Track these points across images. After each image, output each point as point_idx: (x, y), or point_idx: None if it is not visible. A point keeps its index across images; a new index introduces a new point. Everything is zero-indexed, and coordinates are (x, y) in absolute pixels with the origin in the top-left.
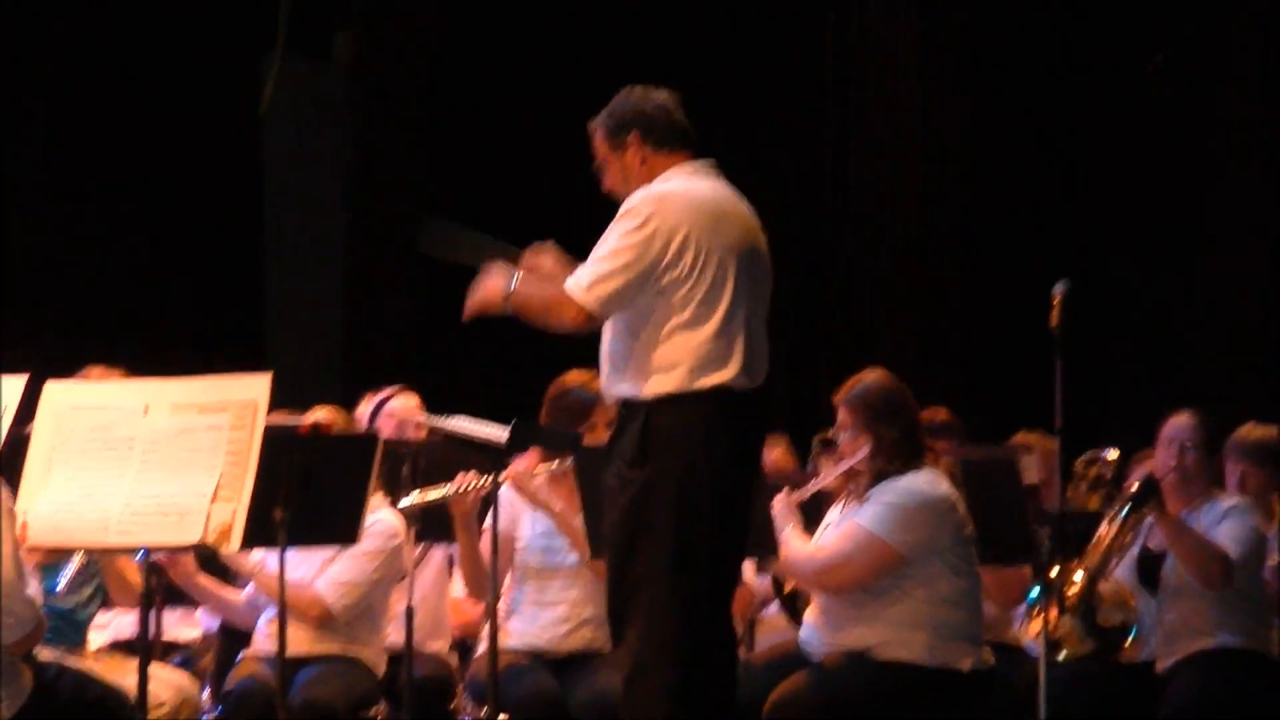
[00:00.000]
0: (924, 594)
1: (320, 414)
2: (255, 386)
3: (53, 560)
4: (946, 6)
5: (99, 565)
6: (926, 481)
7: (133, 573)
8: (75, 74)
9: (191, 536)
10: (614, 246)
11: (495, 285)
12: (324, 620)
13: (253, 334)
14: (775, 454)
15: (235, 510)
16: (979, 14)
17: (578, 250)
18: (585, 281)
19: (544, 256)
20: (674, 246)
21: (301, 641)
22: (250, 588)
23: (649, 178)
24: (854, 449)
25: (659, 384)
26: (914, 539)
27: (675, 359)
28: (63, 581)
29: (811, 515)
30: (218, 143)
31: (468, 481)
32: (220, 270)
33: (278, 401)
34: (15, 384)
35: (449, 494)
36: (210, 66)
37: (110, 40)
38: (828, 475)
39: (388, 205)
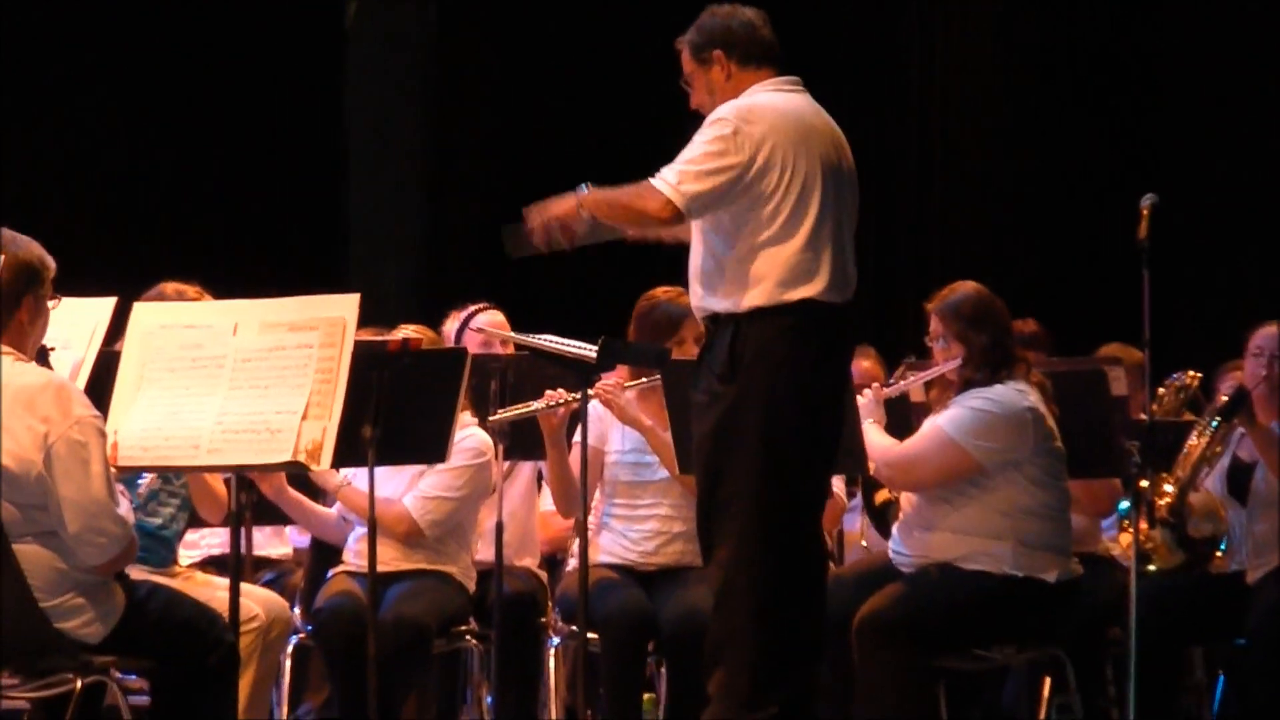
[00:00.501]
0: (1005, 504)
1: (407, 330)
2: (344, 304)
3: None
4: None
5: (186, 482)
6: (1013, 392)
7: (220, 488)
8: None
9: (282, 455)
10: (702, 150)
11: (564, 199)
12: (411, 536)
13: (335, 251)
14: (865, 365)
15: (325, 428)
16: None
17: None
18: (673, 178)
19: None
20: (761, 158)
21: (390, 558)
22: (339, 504)
23: (735, 93)
24: (946, 357)
25: (747, 298)
26: (992, 447)
27: (763, 273)
28: (125, 504)
29: (904, 429)
30: (300, 60)
31: (557, 398)
32: (302, 189)
33: (362, 320)
34: (104, 305)
35: (538, 409)
36: None
37: None
38: (918, 378)
39: (469, 123)
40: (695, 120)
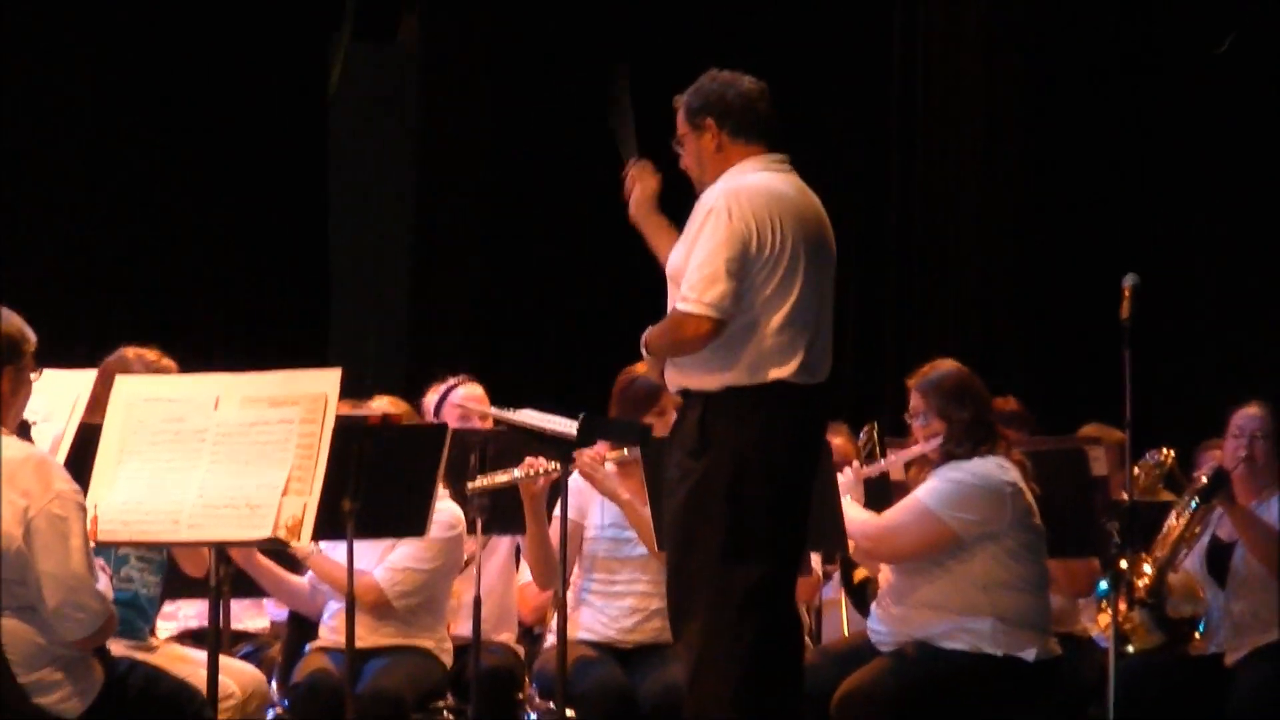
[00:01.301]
0: (983, 577)
1: (381, 403)
2: (326, 380)
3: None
4: None
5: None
6: (993, 466)
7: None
8: (141, 55)
9: (263, 531)
10: (709, 250)
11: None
12: (379, 607)
13: (317, 320)
14: (836, 442)
15: (306, 504)
16: None
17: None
18: (694, 295)
19: (646, 177)
20: (754, 244)
21: (365, 632)
22: (311, 574)
23: (722, 164)
24: (926, 434)
25: (719, 378)
26: (969, 518)
27: (737, 354)
28: (105, 580)
29: (884, 508)
30: (284, 126)
31: (537, 466)
32: (285, 256)
33: (342, 391)
34: (85, 377)
35: (519, 478)
36: (277, 49)
37: (177, 22)
38: (899, 457)
39: (455, 191)
40: (685, 183)
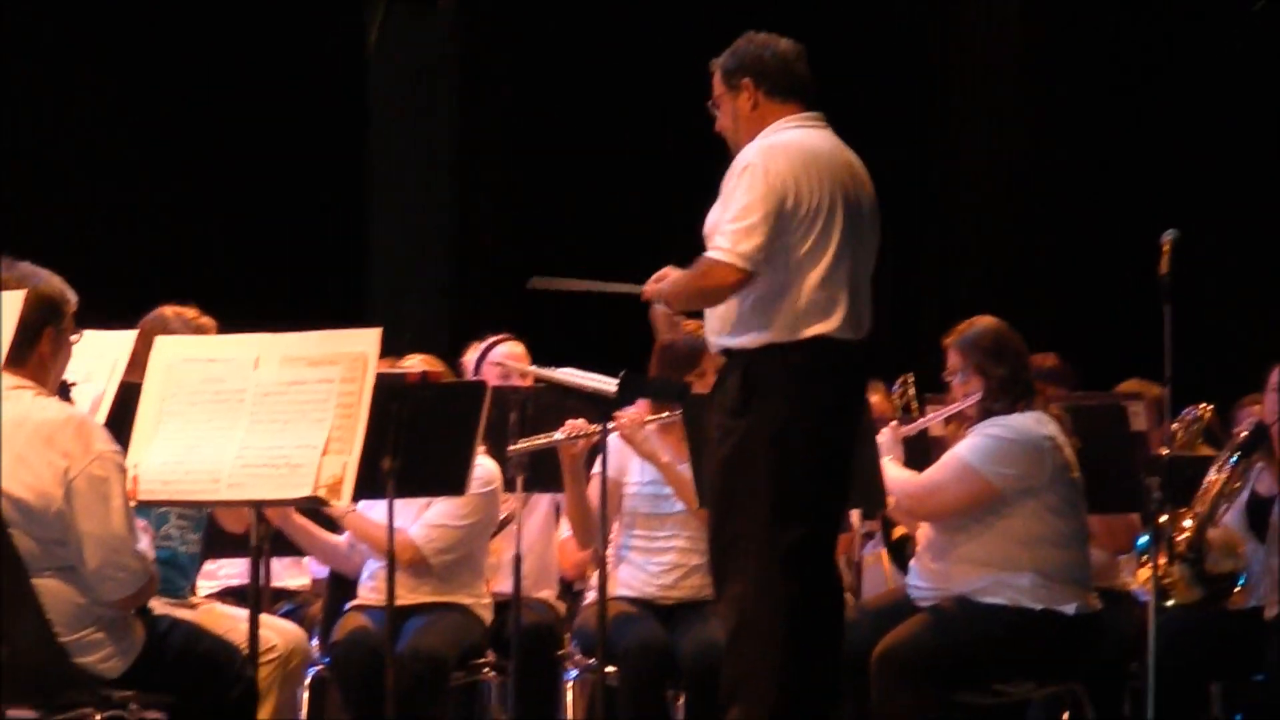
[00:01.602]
0: (1023, 533)
1: (415, 361)
2: (365, 339)
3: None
4: None
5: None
6: (1031, 421)
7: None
8: (182, 16)
9: (303, 490)
10: (744, 203)
11: (658, 289)
12: (416, 564)
13: (357, 282)
14: (874, 400)
15: (346, 463)
16: None
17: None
18: (726, 243)
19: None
20: (790, 199)
21: (403, 590)
22: (348, 533)
23: (758, 124)
24: (964, 391)
25: (760, 334)
26: (1010, 473)
27: (776, 309)
28: (145, 540)
29: (923, 465)
30: (323, 88)
31: (577, 429)
32: (324, 216)
33: (382, 351)
34: (125, 338)
35: (559, 441)
36: (316, 12)
37: None
38: (937, 415)
39: (495, 150)
40: (720, 146)
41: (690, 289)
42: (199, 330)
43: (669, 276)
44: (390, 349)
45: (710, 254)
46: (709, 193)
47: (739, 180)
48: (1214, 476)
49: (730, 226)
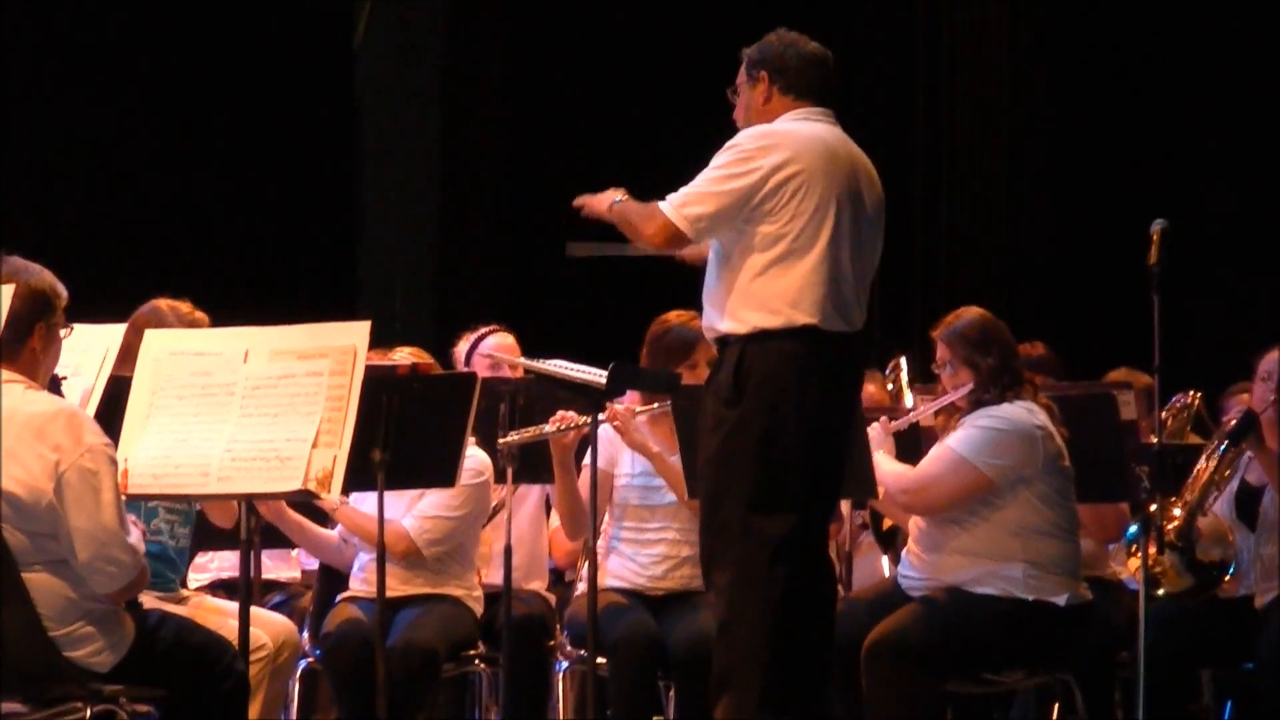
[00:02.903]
0: (1015, 524)
1: (405, 353)
2: (355, 332)
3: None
4: None
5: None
6: (1022, 410)
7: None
8: (169, 6)
9: (292, 483)
10: (710, 175)
11: (605, 196)
12: (409, 556)
13: (345, 271)
14: (868, 390)
15: (335, 456)
16: None
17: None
18: (677, 200)
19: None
20: (772, 181)
21: (395, 582)
22: (340, 526)
23: (767, 118)
24: (954, 383)
25: (751, 319)
26: (1002, 464)
27: (767, 294)
28: (136, 533)
29: (914, 456)
30: (311, 78)
31: (567, 420)
32: (313, 207)
33: (371, 343)
34: (115, 331)
35: (549, 433)
36: (304, 2)
37: None
38: (927, 408)
39: (481, 140)
40: (719, 135)
41: (628, 220)
42: (193, 325)
43: (613, 196)
44: (379, 341)
45: (661, 204)
46: None
47: (720, 154)
48: (1203, 465)
49: (689, 188)
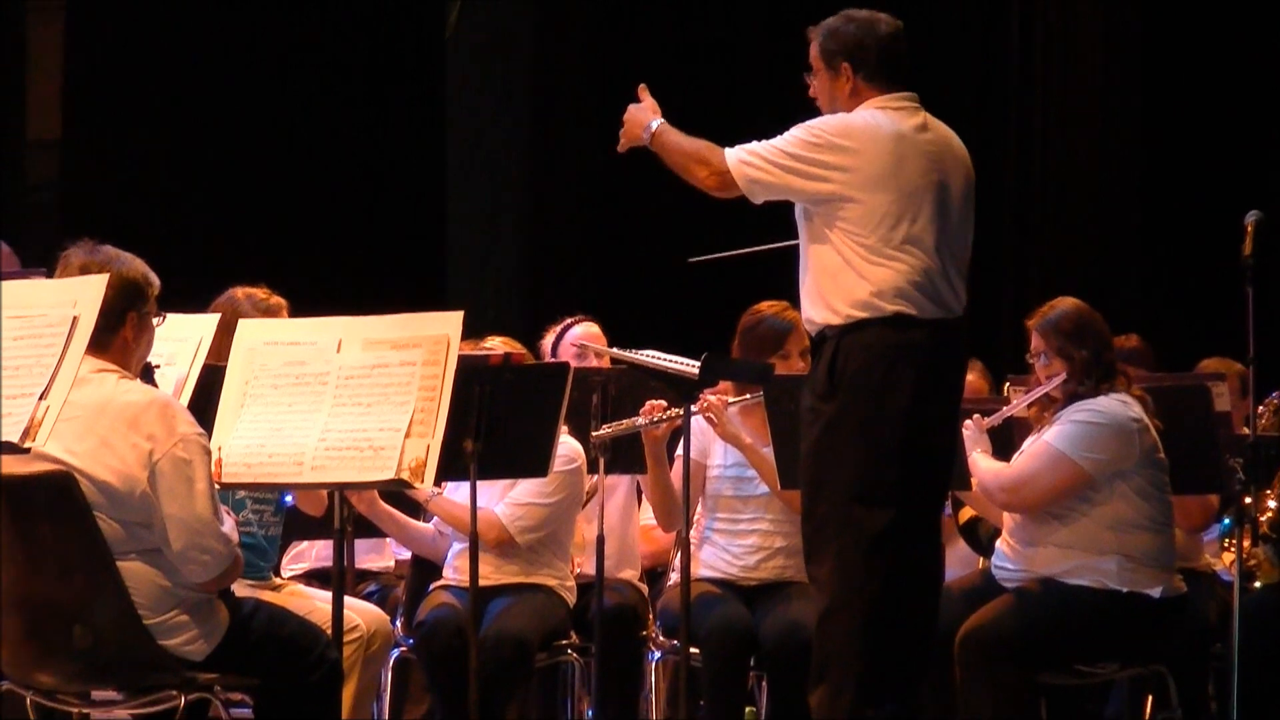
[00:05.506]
0: (1111, 518)
1: (497, 342)
2: (448, 322)
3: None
4: None
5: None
6: (1117, 403)
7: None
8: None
9: (386, 473)
10: (784, 147)
11: (639, 120)
12: (503, 544)
13: (434, 262)
14: (969, 378)
15: (429, 446)
16: None
17: None
18: (743, 156)
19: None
20: (847, 188)
21: (486, 570)
22: (435, 519)
23: (852, 106)
24: (1047, 373)
25: (845, 309)
26: (1100, 458)
27: (861, 284)
28: (230, 522)
29: (1007, 446)
30: (402, 68)
31: (658, 410)
32: (402, 197)
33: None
34: (208, 321)
35: (641, 426)
36: None
37: None
38: (1020, 401)
39: (570, 131)
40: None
41: (679, 153)
42: (269, 311)
43: (647, 119)
44: (473, 332)
45: (728, 152)
46: None
47: (800, 129)
48: None
49: (758, 147)
